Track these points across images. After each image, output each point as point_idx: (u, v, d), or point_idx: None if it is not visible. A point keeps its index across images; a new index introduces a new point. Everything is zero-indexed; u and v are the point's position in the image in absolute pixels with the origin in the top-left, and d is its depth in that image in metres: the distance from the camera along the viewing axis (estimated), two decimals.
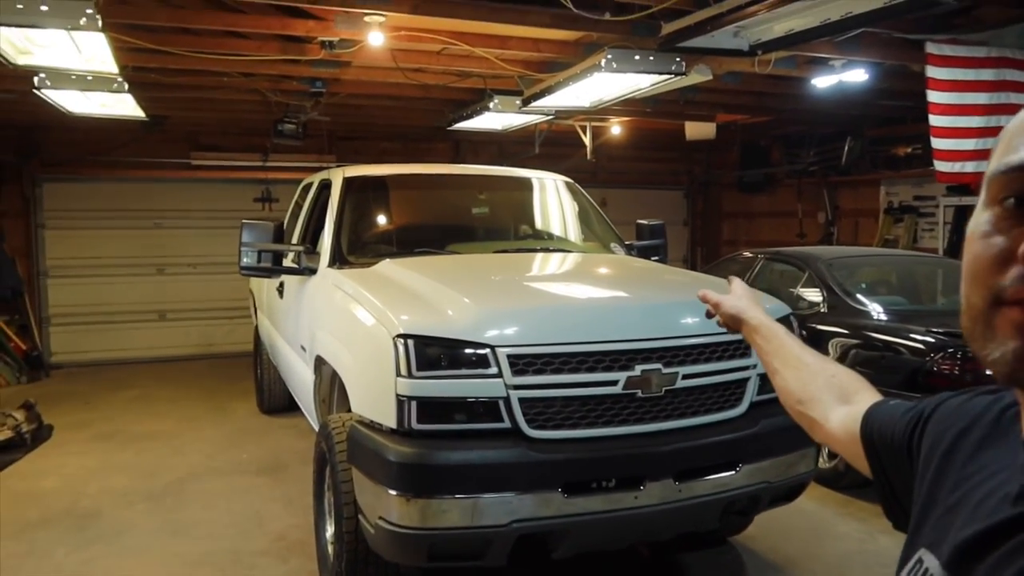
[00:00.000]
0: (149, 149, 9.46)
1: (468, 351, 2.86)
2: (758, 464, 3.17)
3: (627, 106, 7.98)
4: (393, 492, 2.77)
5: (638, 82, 5.42)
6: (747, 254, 6.69)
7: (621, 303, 3.25)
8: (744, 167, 11.51)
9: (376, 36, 4.58)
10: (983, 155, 5.14)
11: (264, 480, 5.28)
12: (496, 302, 3.14)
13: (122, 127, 8.44)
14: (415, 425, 2.81)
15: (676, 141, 10.25)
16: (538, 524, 2.81)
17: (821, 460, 5.09)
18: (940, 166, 5.03)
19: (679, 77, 5.22)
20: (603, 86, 5.58)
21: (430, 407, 2.83)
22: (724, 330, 1.51)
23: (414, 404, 2.81)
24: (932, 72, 4.93)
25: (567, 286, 3.61)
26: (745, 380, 3.25)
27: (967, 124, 5.09)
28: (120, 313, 9.70)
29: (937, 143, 5.01)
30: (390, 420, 2.86)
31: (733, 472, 3.11)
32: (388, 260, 3.86)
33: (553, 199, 4.95)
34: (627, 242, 5.05)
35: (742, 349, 3.23)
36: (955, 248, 7.84)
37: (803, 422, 1.22)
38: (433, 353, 2.85)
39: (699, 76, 5.66)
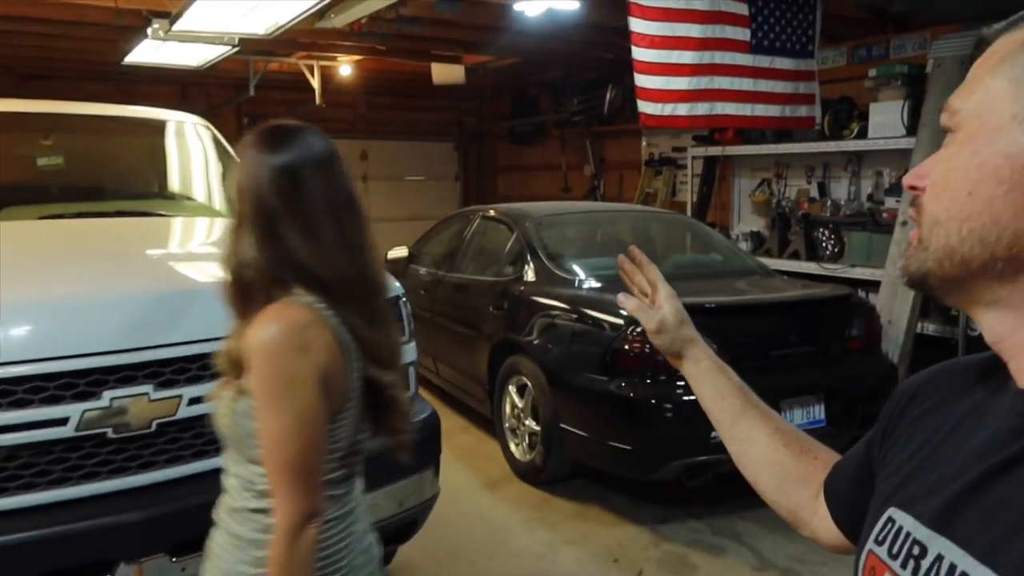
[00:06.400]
0: None
1: None
2: None
3: (354, 41, 6.95)
4: None
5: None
6: (472, 211, 5.87)
7: (95, 296, 2.18)
8: (515, 117, 10.78)
9: None
10: (697, 96, 4.54)
11: None
12: None
13: None
14: None
15: (445, 89, 9.29)
16: None
17: (520, 452, 4.40)
18: (645, 107, 4.35)
19: None
20: (268, 4, 4.49)
21: None
22: None
23: None
24: None
25: (52, 271, 2.49)
26: None
27: (678, 60, 4.45)
28: None
29: (642, 80, 4.33)
30: None
31: None
32: None
33: (165, 146, 3.80)
34: None
35: None
36: (705, 201, 7.46)
37: (784, 515, 1.03)
38: None
39: None
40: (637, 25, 4.23)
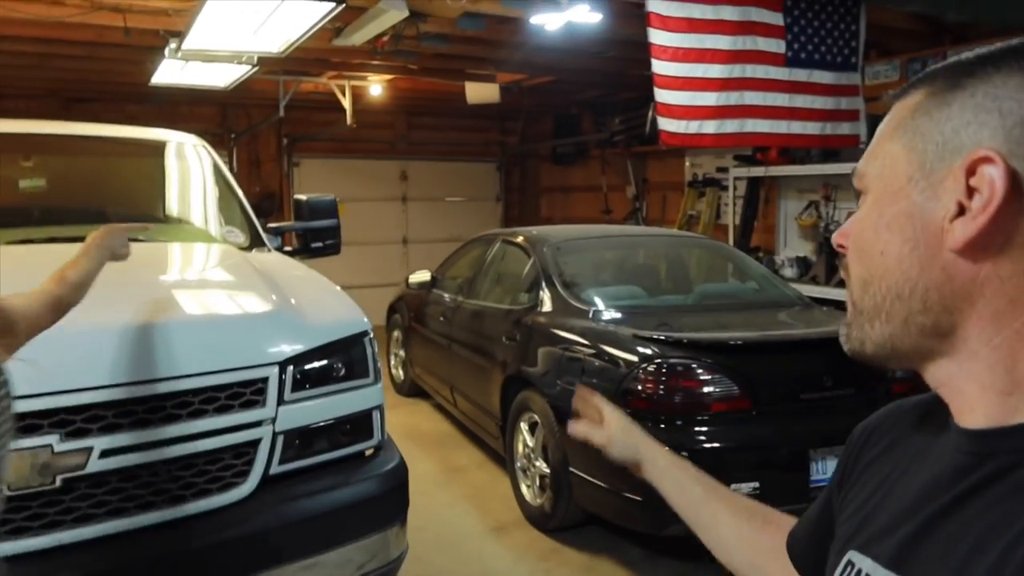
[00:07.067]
0: None
1: None
2: None
3: (383, 60, 6.80)
4: None
5: (309, 15, 4.22)
6: (493, 235, 5.62)
7: None
8: (557, 137, 10.53)
9: None
10: (726, 112, 4.21)
11: None
12: None
13: None
14: None
15: (487, 108, 9.10)
16: None
17: (530, 495, 4.09)
18: (666, 124, 4.04)
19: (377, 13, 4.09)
20: (275, 22, 4.35)
21: None
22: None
23: None
24: (656, 7, 3.92)
25: None
26: (253, 444, 2.09)
27: (705, 74, 4.13)
28: None
29: (664, 96, 4.03)
30: None
31: None
32: None
33: (157, 168, 3.65)
34: (278, 224, 3.83)
35: (247, 396, 2.07)
36: (749, 224, 7.06)
37: None
38: None
39: (396, 14, 4.50)
40: (657, 36, 3.93)
